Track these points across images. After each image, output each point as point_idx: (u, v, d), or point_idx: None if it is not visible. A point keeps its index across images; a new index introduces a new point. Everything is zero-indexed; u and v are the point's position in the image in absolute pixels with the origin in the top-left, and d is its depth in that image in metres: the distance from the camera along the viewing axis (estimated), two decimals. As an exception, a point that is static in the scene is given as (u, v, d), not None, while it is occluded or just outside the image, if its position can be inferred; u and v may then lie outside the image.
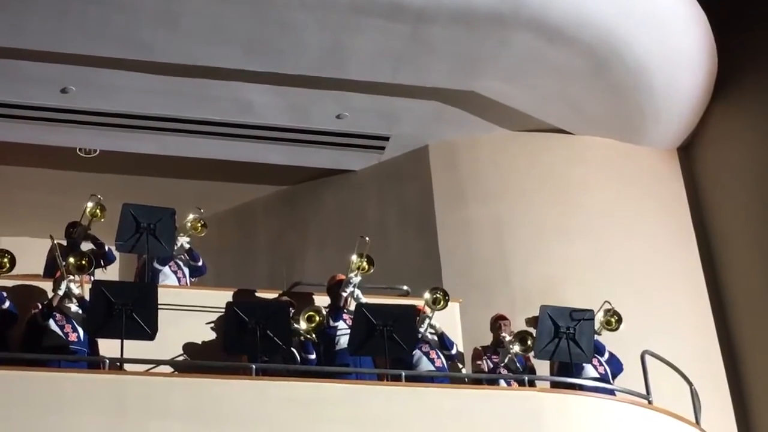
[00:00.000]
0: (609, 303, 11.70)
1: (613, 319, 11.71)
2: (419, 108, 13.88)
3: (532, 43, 13.02)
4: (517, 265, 13.64)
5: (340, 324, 11.09)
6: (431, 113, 14.00)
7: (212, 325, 11.19)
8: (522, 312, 12.10)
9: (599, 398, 10.69)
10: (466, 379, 11.31)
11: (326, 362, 10.90)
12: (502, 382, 11.15)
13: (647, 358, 11.41)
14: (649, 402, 10.98)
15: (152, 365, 10.42)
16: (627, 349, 11.55)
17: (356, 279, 11.26)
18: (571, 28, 12.91)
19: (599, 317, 11.57)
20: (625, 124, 14.31)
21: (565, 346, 10.88)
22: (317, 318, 10.97)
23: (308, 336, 10.90)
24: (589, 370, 11.30)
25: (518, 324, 11.76)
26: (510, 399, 10.48)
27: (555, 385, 10.96)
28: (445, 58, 13.14)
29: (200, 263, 12.13)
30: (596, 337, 11.35)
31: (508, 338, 11.39)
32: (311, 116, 13.89)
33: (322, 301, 11.44)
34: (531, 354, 11.31)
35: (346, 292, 11.20)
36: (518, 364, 11.29)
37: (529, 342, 11.28)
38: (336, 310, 11.14)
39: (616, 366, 11.49)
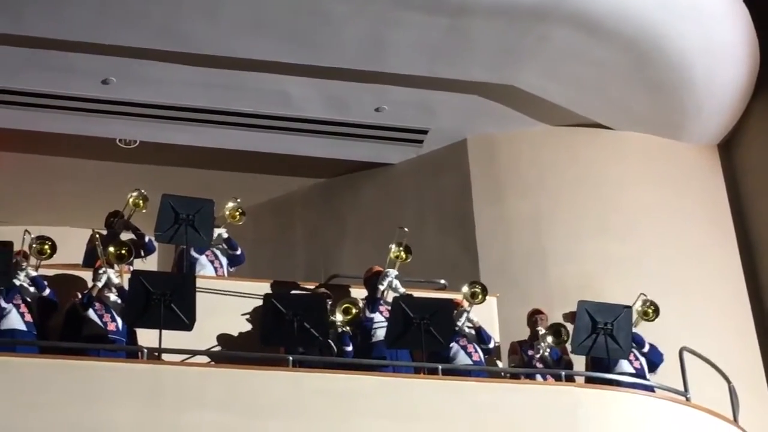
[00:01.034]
0: (644, 295, 11.67)
1: (650, 310, 11.73)
2: (458, 102, 13.86)
3: (573, 37, 12.97)
4: (554, 261, 13.61)
5: (377, 316, 11.10)
6: (470, 107, 13.97)
7: (248, 316, 11.22)
8: (559, 307, 12.07)
9: (637, 394, 10.63)
10: (503, 374, 11.28)
11: (362, 354, 10.91)
12: (539, 377, 11.12)
13: (685, 354, 11.35)
14: (687, 399, 10.91)
15: (189, 355, 10.47)
16: (665, 346, 11.50)
17: (394, 272, 11.26)
18: (611, 22, 12.86)
19: (636, 308, 11.56)
20: (665, 120, 14.23)
21: (603, 342, 10.84)
22: (354, 310, 11.00)
23: (345, 328, 10.91)
24: (624, 365, 11.25)
25: (555, 319, 11.73)
26: (547, 393, 10.46)
27: (591, 381, 10.93)
28: (485, 51, 13.12)
29: (238, 252, 12.14)
30: (634, 329, 11.30)
31: (543, 332, 11.37)
32: (350, 109, 13.90)
33: (359, 293, 11.46)
34: (568, 348, 11.28)
35: (383, 285, 11.21)
36: (553, 358, 11.26)
37: (563, 335, 11.25)
38: (373, 301, 11.15)
39: (656, 356, 11.45)
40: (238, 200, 12.27)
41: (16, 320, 10.41)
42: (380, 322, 11.03)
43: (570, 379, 10.96)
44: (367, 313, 11.07)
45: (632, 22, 12.97)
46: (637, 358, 11.31)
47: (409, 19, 12.57)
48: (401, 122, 14.22)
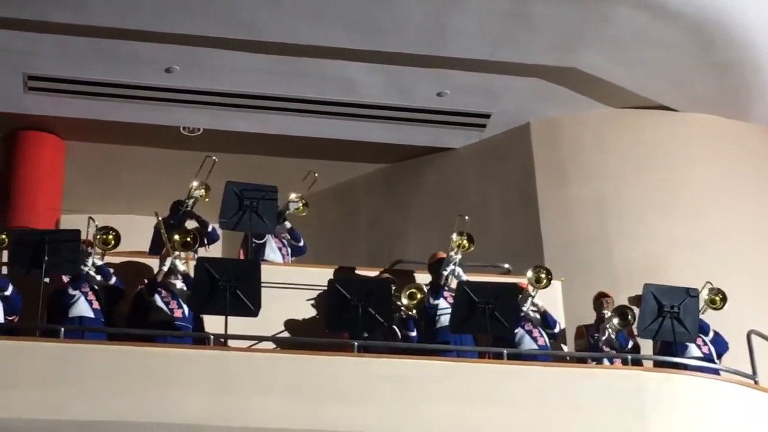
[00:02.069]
0: (711, 283, 11.56)
1: (717, 298, 11.60)
2: (520, 85, 13.81)
3: (636, 17, 12.87)
4: (619, 244, 13.53)
5: (441, 302, 11.10)
6: (532, 90, 13.91)
7: (313, 302, 11.26)
8: (624, 291, 11.99)
9: (704, 378, 10.57)
10: (568, 358, 11.24)
11: (427, 340, 10.91)
12: (605, 361, 11.07)
13: (753, 337, 11.25)
14: (756, 382, 10.83)
15: (255, 341, 10.52)
16: (732, 329, 11.41)
17: (456, 257, 11.25)
18: (675, 2, 12.73)
19: (703, 296, 11.44)
20: (730, 101, 14.09)
21: (669, 325, 10.77)
22: (419, 295, 10.98)
23: (409, 313, 10.92)
24: (693, 349, 11.20)
25: (621, 302, 11.64)
26: (613, 378, 10.41)
27: (658, 364, 10.86)
28: (546, 34, 13.04)
29: (301, 243, 12.20)
30: (700, 316, 11.21)
31: (608, 315, 11.30)
32: (412, 94, 13.89)
33: (423, 278, 11.45)
34: (635, 332, 11.21)
35: (446, 271, 11.20)
36: (621, 342, 11.21)
37: (629, 317, 11.19)
38: (437, 288, 11.15)
39: (721, 345, 11.36)
40: (316, 175, 12.38)
41: (84, 308, 10.54)
42: (444, 308, 11.03)
43: (636, 362, 10.90)
44: (431, 300, 11.06)
45: (696, 2, 12.84)
46: (705, 343, 11.24)
47: (470, 3, 12.52)
48: (463, 107, 14.19)
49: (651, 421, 10.11)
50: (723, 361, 11.26)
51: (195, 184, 12.01)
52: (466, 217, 11.30)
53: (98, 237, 10.79)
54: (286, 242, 12.10)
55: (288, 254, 12.08)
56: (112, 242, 10.85)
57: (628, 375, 10.49)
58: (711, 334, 11.35)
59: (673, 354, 10.85)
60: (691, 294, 10.90)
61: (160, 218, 11.17)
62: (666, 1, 12.76)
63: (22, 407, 9.36)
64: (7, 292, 10.39)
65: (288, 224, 12.15)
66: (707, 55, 13.38)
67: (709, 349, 11.26)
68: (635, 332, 11.24)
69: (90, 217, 10.89)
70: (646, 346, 11.44)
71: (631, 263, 13.20)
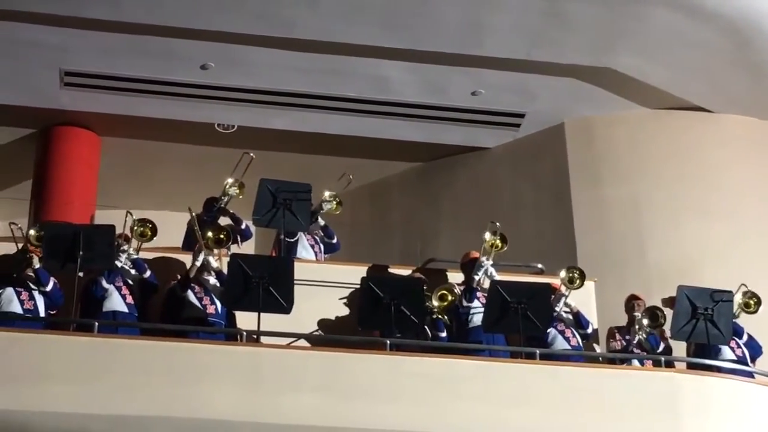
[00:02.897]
0: (745, 286, 11.48)
1: (752, 301, 11.50)
2: (555, 85, 13.77)
3: (671, 18, 12.81)
4: (653, 245, 13.49)
5: (474, 303, 11.08)
6: (567, 90, 13.88)
7: (345, 300, 11.26)
8: (658, 292, 11.95)
9: (738, 380, 10.52)
10: (600, 359, 11.20)
11: (459, 339, 10.90)
12: (637, 363, 11.03)
13: (788, 341, 11.21)
14: (790, 385, 10.77)
15: (288, 339, 10.54)
16: (766, 332, 11.32)
17: (488, 263, 11.24)
18: (711, 2, 12.67)
19: (737, 299, 11.36)
20: (766, 102, 14.00)
21: (703, 327, 10.72)
22: (449, 297, 10.96)
23: (440, 315, 10.90)
24: (727, 352, 11.13)
25: (654, 304, 11.60)
26: (646, 379, 10.37)
27: (691, 367, 10.81)
28: (582, 34, 13.01)
29: (334, 240, 12.20)
30: (734, 319, 11.15)
31: (639, 316, 11.26)
32: (447, 93, 13.88)
33: (455, 277, 11.45)
34: (666, 334, 11.17)
35: (478, 274, 11.18)
36: (652, 344, 11.16)
37: (659, 318, 11.14)
38: (470, 290, 11.13)
39: (755, 349, 11.29)
40: (351, 177, 12.33)
41: (117, 302, 10.59)
42: (477, 307, 11.01)
43: (669, 364, 10.86)
44: (464, 302, 11.05)
45: (732, 3, 12.78)
46: (739, 346, 11.17)
47: (506, 3, 12.51)
48: (498, 106, 14.18)
49: (684, 424, 10.07)
50: (757, 364, 11.18)
51: (230, 181, 12.03)
52: (497, 224, 11.28)
53: (135, 229, 10.85)
54: (318, 239, 12.10)
55: (321, 251, 12.08)
56: (149, 234, 10.90)
57: (661, 377, 10.44)
58: (745, 337, 11.29)
59: (707, 356, 10.78)
60: (726, 296, 10.84)
61: (193, 214, 11.20)
62: (702, 2, 12.70)
63: (56, 401, 9.42)
64: (48, 288, 10.46)
65: (321, 221, 12.16)
66: (743, 56, 13.31)
67: (743, 352, 11.20)
68: (667, 334, 11.19)
69: (128, 212, 10.95)
70: (679, 349, 11.39)
71: (664, 265, 13.15)
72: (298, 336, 10.62)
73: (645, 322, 11.12)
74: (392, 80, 13.61)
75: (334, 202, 12.26)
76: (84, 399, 9.49)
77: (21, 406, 9.38)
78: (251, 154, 11.99)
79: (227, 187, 12.02)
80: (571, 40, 13.09)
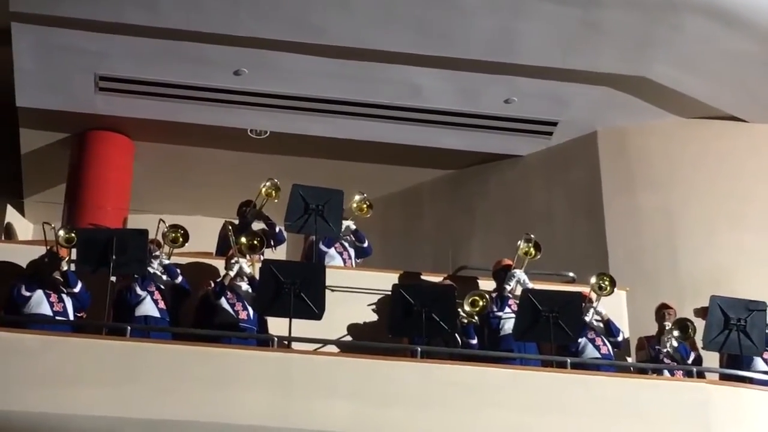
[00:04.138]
0: (778, 295, 11.44)
1: (785, 312, 11.42)
2: (589, 93, 13.74)
3: (707, 27, 12.76)
4: (686, 255, 13.44)
5: (506, 310, 11.07)
6: (601, 99, 13.84)
7: (375, 306, 11.27)
8: (691, 302, 11.91)
9: (770, 392, 10.47)
10: (632, 368, 11.16)
11: (490, 347, 10.89)
12: (667, 373, 10.98)
13: (821, 353, 11.12)
14: (823, 397, 10.69)
15: (319, 345, 10.56)
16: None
17: (521, 272, 11.22)
18: (748, 12, 12.62)
19: (771, 309, 11.31)
20: (801, 112, 13.96)
21: (735, 338, 10.67)
22: (481, 303, 10.93)
23: (471, 320, 10.88)
24: (759, 363, 11.06)
25: (686, 314, 11.56)
26: (677, 390, 10.32)
27: (723, 377, 10.76)
28: (617, 42, 12.98)
29: (366, 244, 12.18)
30: (768, 330, 11.10)
31: (669, 327, 11.21)
32: (480, 101, 13.87)
33: (487, 285, 11.43)
34: (699, 344, 11.11)
35: (510, 284, 11.18)
36: (682, 354, 11.11)
37: (689, 330, 11.08)
38: (502, 298, 11.11)
39: (788, 361, 11.23)
40: (364, 194, 12.31)
41: (150, 307, 10.64)
42: (509, 314, 11.00)
43: (701, 375, 10.81)
44: (495, 310, 11.04)
45: (768, 12, 12.74)
46: (772, 357, 11.11)
47: (541, 10, 12.49)
48: (531, 114, 14.16)
49: (716, 435, 10.04)
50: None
51: (267, 184, 12.04)
52: (532, 235, 11.27)
53: (168, 234, 10.89)
54: (348, 245, 12.08)
55: (350, 257, 12.06)
56: (181, 240, 10.94)
57: (693, 387, 10.39)
58: (778, 348, 11.23)
59: (739, 367, 10.73)
60: (760, 307, 10.78)
61: (227, 221, 11.24)
62: (738, 11, 12.64)
63: (88, 404, 9.47)
64: (76, 289, 10.53)
65: (353, 225, 12.15)
66: (778, 66, 13.27)
67: (776, 364, 11.14)
68: (698, 344, 11.14)
69: (161, 219, 11.00)
70: (711, 359, 11.33)
71: (697, 275, 13.10)
72: (329, 342, 10.63)
73: (675, 333, 11.07)
74: (425, 87, 13.60)
75: (365, 206, 12.17)
76: (116, 402, 9.53)
77: (53, 409, 9.43)
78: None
79: (262, 190, 12.03)
80: (606, 48, 13.06)
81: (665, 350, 11.08)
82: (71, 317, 10.46)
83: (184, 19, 12.66)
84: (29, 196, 15.21)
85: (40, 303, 10.44)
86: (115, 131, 14.46)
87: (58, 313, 10.43)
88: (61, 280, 10.53)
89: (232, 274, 10.77)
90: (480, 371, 10.15)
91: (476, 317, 10.86)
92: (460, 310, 10.79)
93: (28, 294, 10.42)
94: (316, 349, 10.45)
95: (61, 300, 10.49)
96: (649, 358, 11.20)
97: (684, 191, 13.85)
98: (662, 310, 11.46)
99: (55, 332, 10.04)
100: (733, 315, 10.70)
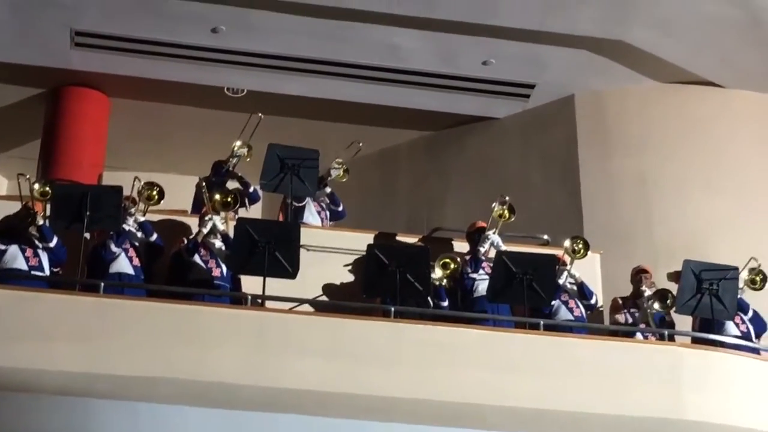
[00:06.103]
0: (756, 260, 11.47)
1: (758, 278, 11.49)
2: (567, 56, 13.72)
3: (686, -9, 12.78)
4: (660, 219, 13.48)
5: (480, 272, 11.09)
6: (579, 62, 13.82)
7: (350, 267, 11.27)
8: (664, 266, 11.97)
9: (742, 356, 10.51)
10: (604, 331, 11.21)
11: (464, 308, 10.91)
12: (640, 335, 11.04)
13: (793, 317, 11.20)
14: (795, 362, 10.77)
15: (293, 304, 10.56)
16: (772, 308, 11.36)
17: (494, 237, 11.23)
18: (726, -23, 12.64)
19: (743, 275, 11.36)
20: (777, 78, 13.98)
21: (708, 302, 10.72)
22: (452, 265, 10.96)
23: (442, 282, 10.90)
24: (731, 327, 11.14)
25: (659, 278, 11.64)
26: (649, 352, 10.37)
27: (695, 341, 10.82)
28: (596, 5, 12.94)
29: (340, 208, 12.20)
30: (739, 295, 11.14)
31: (648, 292, 11.25)
32: (458, 62, 13.82)
33: (461, 247, 11.46)
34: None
35: (484, 246, 11.18)
36: (656, 320, 11.16)
37: (668, 300, 11.12)
38: (476, 260, 11.13)
39: (759, 325, 11.31)
40: (360, 145, 12.37)
41: (124, 264, 10.62)
42: (482, 276, 11.02)
43: (672, 338, 10.86)
44: (469, 273, 11.05)
45: (747, -22, 12.74)
46: (743, 322, 11.18)
47: (521, -28, 12.48)
48: (508, 76, 14.11)
49: (686, 397, 10.07)
50: (762, 341, 11.18)
51: (238, 143, 12.06)
52: (507, 198, 11.28)
53: (143, 192, 10.85)
54: (325, 206, 12.11)
55: (327, 218, 12.09)
56: (156, 197, 10.92)
57: (665, 350, 10.44)
58: (750, 313, 11.30)
59: (711, 331, 10.79)
60: (731, 272, 10.83)
61: (202, 180, 11.22)
62: (717, -24, 12.66)
63: (61, 359, 9.46)
64: (52, 244, 10.49)
65: (328, 189, 12.16)
66: (757, 31, 13.25)
67: (748, 328, 11.21)
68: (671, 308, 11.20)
69: (136, 177, 10.95)
70: (682, 323, 11.39)
71: (671, 239, 13.15)
72: (303, 301, 10.64)
73: (656, 306, 11.11)
74: (403, 48, 13.55)
75: (342, 170, 12.24)
76: (89, 359, 9.53)
77: (26, 364, 9.42)
78: (260, 115, 11.99)
79: (236, 148, 12.03)
80: (585, 11, 13.03)
81: (640, 315, 11.13)
82: (47, 272, 10.43)
83: (161, -25, 12.61)
84: (3, 151, 15.10)
85: (15, 257, 10.41)
86: (91, 87, 14.34)
87: (34, 268, 10.39)
88: (37, 234, 10.49)
89: (205, 231, 10.76)
90: (452, 331, 10.17)
91: (446, 280, 10.87)
92: (431, 272, 10.82)
93: (2, 248, 10.40)
94: (290, 308, 10.45)
95: (36, 254, 10.45)
96: (624, 322, 11.24)
97: (659, 156, 13.87)
98: (639, 274, 11.49)
99: (28, 287, 10.02)
100: (706, 279, 10.74)
